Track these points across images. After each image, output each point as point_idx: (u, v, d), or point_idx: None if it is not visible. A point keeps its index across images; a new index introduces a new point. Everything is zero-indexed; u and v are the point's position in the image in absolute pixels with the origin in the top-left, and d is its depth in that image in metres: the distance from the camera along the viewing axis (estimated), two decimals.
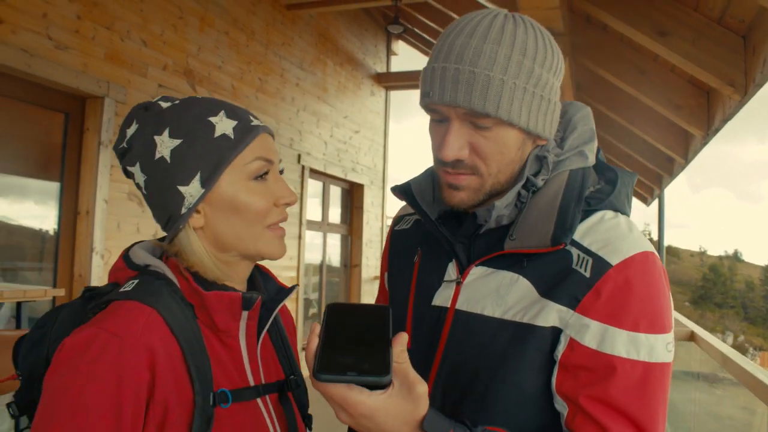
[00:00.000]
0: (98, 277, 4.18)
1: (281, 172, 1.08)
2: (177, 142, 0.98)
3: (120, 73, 4.40)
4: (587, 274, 0.98)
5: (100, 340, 0.85)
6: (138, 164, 1.01)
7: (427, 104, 1.04)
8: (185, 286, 0.99)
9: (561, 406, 1.00)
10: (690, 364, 4.71)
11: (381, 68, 9.69)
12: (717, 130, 4.53)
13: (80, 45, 4.08)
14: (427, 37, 9.48)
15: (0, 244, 4.05)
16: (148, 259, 1.01)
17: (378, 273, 9.47)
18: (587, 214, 1.06)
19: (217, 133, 0.98)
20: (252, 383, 1.03)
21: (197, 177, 0.97)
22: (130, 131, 1.02)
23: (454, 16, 6.92)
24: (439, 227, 1.14)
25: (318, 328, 0.84)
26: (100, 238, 4.22)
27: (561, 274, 1.00)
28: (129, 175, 1.05)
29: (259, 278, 1.14)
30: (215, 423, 0.92)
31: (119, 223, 4.40)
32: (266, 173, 1.03)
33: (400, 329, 1.18)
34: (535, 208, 1.05)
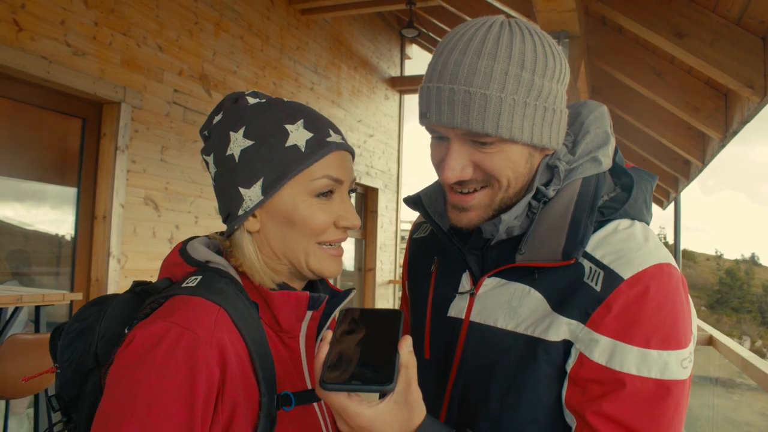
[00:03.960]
0: (115, 281, 4.21)
1: (354, 190, 1.07)
2: (249, 143, 0.97)
3: (136, 78, 4.43)
4: (598, 288, 0.95)
5: (173, 334, 0.83)
6: (212, 155, 1.02)
7: (425, 125, 1.00)
8: (248, 285, 0.99)
9: (571, 419, 0.98)
10: (708, 369, 4.66)
11: (395, 72, 9.69)
12: (735, 133, 4.48)
13: (97, 51, 4.11)
14: (441, 41, 9.46)
15: (17, 249, 4.09)
16: (209, 255, 1.00)
17: (392, 277, 9.48)
18: (601, 224, 1.02)
19: (289, 143, 0.97)
20: (310, 386, 1.02)
21: (259, 183, 0.97)
22: (216, 119, 1.03)
23: (468, 18, 6.90)
24: (451, 238, 1.11)
25: (329, 336, 0.84)
26: (117, 243, 4.24)
27: (572, 288, 0.98)
28: (205, 161, 1.06)
29: (317, 282, 1.13)
30: (277, 425, 0.92)
31: (135, 228, 4.43)
32: (331, 192, 1.01)
33: (419, 341, 1.15)
34: (546, 220, 1.02)
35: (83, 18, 4.00)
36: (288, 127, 0.98)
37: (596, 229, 1.01)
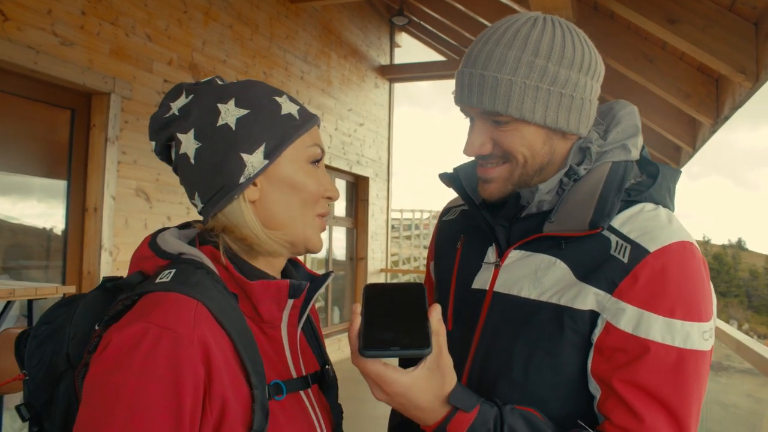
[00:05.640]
0: (107, 273, 4.17)
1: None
2: (244, 111, 0.96)
3: (125, 68, 4.38)
4: (625, 260, 1.00)
5: (152, 335, 0.78)
6: (192, 131, 0.96)
7: (457, 105, 1.12)
8: (225, 276, 0.95)
9: (595, 388, 1.01)
10: None
11: (385, 60, 9.65)
12: (726, 118, 4.50)
13: (85, 41, 4.06)
14: (431, 29, 9.44)
15: (7, 244, 4.04)
16: (182, 247, 0.95)
17: (384, 266, 9.49)
18: (628, 204, 1.08)
19: (284, 112, 0.99)
20: (294, 375, 0.99)
21: (262, 148, 0.96)
22: (178, 103, 0.99)
23: (459, 7, 6.88)
24: (481, 211, 1.17)
25: (359, 308, 0.89)
26: (109, 235, 4.21)
27: (599, 259, 1.03)
28: (169, 143, 1.00)
29: (291, 267, 1.11)
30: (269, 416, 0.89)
31: (127, 220, 4.39)
32: (319, 161, 1.03)
33: (443, 313, 1.19)
34: (576, 195, 1.08)
35: (70, 7, 3.95)
36: (277, 99, 1.00)
37: (623, 208, 1.07)
